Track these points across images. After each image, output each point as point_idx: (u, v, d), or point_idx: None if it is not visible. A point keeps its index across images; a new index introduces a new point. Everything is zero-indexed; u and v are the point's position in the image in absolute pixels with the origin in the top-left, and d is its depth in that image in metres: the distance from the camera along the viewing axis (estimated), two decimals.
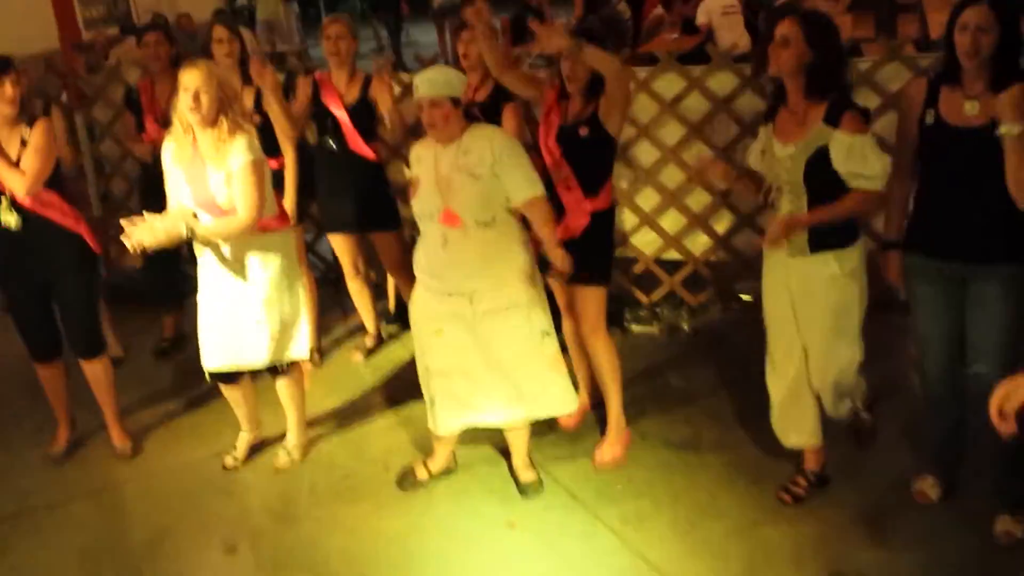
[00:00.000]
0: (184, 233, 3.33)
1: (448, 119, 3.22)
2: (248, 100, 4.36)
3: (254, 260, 3.56)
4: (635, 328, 4.92)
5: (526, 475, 3.70)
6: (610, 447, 3.81)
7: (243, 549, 3.53)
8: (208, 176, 3.42)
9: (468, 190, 3.23)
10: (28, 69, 4.64)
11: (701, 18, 7.57)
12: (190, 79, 3.36)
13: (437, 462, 3.77)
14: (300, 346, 3.79)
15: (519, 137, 4.06)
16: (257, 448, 4.07)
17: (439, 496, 3.71)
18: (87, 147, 5.77)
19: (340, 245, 4.68)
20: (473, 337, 3.38)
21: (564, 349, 3.71)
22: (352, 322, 5.17)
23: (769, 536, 3.30)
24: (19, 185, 3.61)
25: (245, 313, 3.60)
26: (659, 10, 8.40)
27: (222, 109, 3.40)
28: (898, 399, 4.01)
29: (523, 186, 3.25)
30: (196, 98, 3.35)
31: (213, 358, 3.70)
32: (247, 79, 4.36)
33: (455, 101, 3.23)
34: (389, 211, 4.55)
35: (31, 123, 3.68)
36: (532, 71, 4.49)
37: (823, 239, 3.12)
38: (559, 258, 3.32)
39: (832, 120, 2.98)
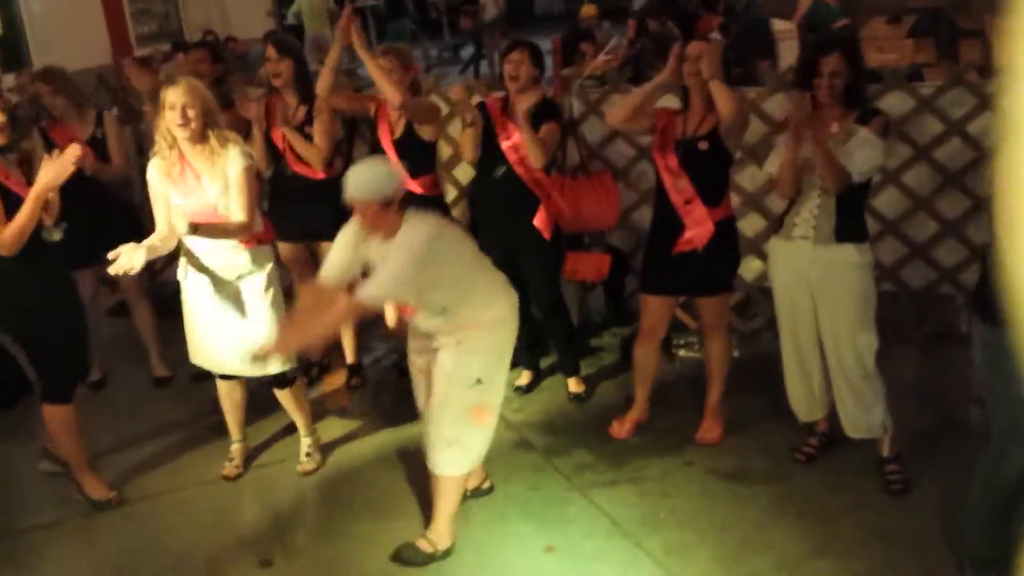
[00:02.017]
0: (187, 231, 3.32)
1: (376, 221, 3.08)
2: (300, 114, 4.34)
3: (242, 272, 3.61)
4: (683, 354, 4.81)
5: (421, 542, 3.38)
6: (710, 429, 4.01)
7: (279, 564, 3.44)
8: (205, 188, 3.48)
9: None
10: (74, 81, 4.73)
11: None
12: (175, 96, 3.39)
13: (470, 478, 3.68)
14: (287, 359, 3.75)
15: (549, 151, 4.06)
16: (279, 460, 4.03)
17: (476, 518, 3.61)
18: (135, 160, 5.81)
19: None
20: (425, 374, 3.36)
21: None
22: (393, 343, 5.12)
23: (818, 570, 3.17)
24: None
25: (229, 324, 3.64)
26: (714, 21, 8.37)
27: (208, 123, 3.44)
28: (948, 444, 3.85)
29: (371, 283, 3.03)
30: (183, 114, 3.38)
31: (200, 357, 3.80)
32: (304, 97, 4.33)
33: (385, 201, 3.05)
34: None
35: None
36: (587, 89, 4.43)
37: (848, 232, 3.44)
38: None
39: (863, 120, 3.40)
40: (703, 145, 3.65)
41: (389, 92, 4.06)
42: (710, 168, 3.70)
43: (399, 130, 4.30)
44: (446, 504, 3.37)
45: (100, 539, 3.66)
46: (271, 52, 4.35)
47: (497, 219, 4.27)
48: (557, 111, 4.28)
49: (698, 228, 3.68)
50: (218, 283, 3.61)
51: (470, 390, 3.23)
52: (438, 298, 3.17)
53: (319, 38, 12.14)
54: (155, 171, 3.53)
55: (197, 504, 3.84)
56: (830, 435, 3.81)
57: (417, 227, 3.09)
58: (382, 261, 3.08)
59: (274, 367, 3.71)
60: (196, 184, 3.49)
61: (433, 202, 4.29)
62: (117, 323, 5.56)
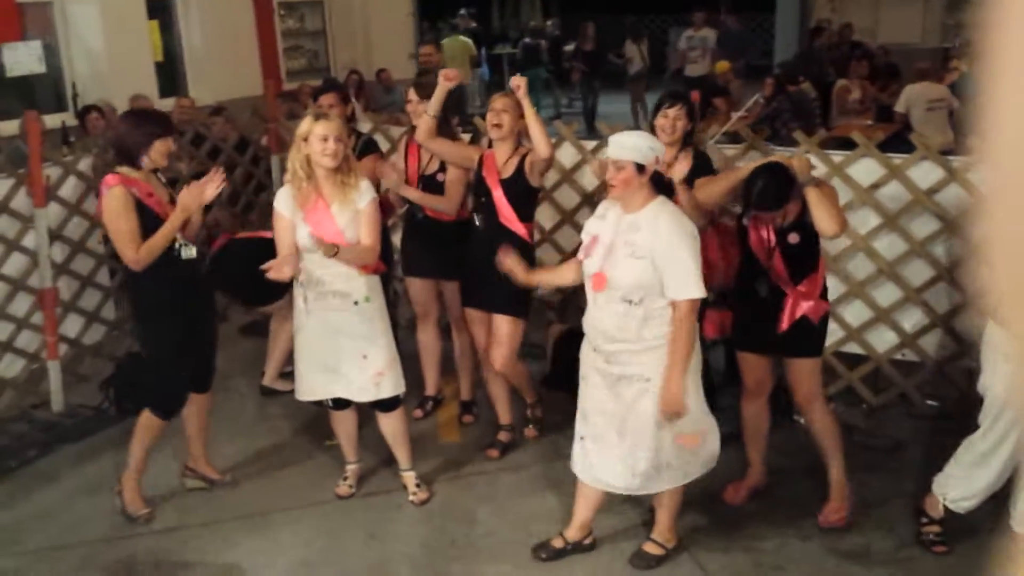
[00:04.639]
0: (330, 253, 3.54)
1: (627, 184, 3.16)
2: (434, 161, 4.43)
3: (358, 298, 3.74)
4: (803, 422, 4.63)
5: (649, 546, 3.57)
6: (835, 510, 3.78)
7: None
8: (334, 217, 3.65)
9: (625, 266, 3.17)
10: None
11: (899, 107, 7.25)
12: (327, 128, 3.61)
13: (573, 529, 3.62)
14: (398, 383, 3.87)
15: (694, 216, 3.95)
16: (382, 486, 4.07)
17: (579, 571, 3.55)
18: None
19: (471, 319, 4.45)
20: (608, 395, 3.31)
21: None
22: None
23: None
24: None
25: (348, 348, 3.76)
26: (843, 81, 8.20)
27: (347, 156, 3.67)
28: None
29: (679, 285, 3.15)
30: (333, 145, 3.58)
31: (310, 392, 3.90)
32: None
33: (639, 167, 3.16)
34: (519, 297, 4.14)
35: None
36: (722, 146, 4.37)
37: None
38: (668, 401, 3.20)
39: None
40: (794, 238, 3.57)
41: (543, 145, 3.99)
42: (803, 252, 3.61)
43: (509, 171, 4.17)
44: (671, 507, 3.55)
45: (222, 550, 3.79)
46: (412, 95, 4.49)
47: None
48: (709, 166, 4.15)
49: (808, 303, 3.58)
50: (337, 308, 3.73)
51: (672, 426, 3.26)
52: (652, 288, 3.16)
53: (458, 85, 12.47)
54: (286, 197, 3.69)
55: (309, 526, 3.92)
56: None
57: (671, 214, 3.20)
58: (628, 243, 3.16)
59: (387, 390, 3.82)
60: (327, 214, 3.66)
61: (529, 247, 4.24)
62: (246, 341, 5.81)
